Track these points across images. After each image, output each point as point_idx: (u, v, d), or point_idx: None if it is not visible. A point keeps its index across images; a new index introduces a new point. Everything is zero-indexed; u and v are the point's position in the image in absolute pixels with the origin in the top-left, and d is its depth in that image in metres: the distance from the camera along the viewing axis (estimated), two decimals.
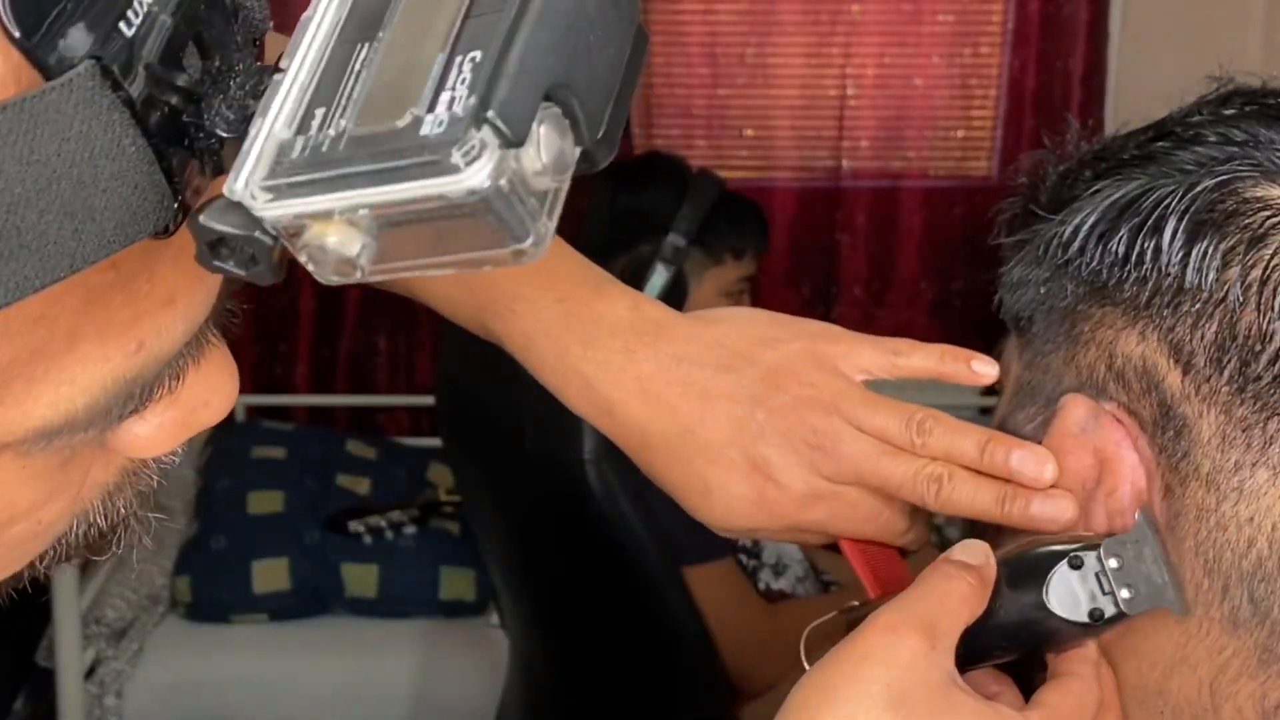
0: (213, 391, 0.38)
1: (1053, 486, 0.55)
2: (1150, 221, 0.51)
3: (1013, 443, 0.57)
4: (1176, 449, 0.50)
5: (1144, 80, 2.77)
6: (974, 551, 0.54)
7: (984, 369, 0.65)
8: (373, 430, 2.88)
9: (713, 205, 1.73)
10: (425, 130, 0.27)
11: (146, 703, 2.14)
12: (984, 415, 2.92)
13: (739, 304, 1.80)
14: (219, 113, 0.30)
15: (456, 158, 0.26)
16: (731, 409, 0.62)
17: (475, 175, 0.26)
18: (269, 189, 0.28)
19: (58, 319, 0.30)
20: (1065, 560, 0.52)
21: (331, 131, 0.28)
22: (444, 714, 2.19)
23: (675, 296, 1.72)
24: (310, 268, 0.28)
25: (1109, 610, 0.51)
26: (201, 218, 0.29)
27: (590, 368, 0.64)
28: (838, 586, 1.86)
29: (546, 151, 0.28)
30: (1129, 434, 0.52)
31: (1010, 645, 0.54)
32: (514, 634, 1.77)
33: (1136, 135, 0.56)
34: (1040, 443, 0.56)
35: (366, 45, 0.29)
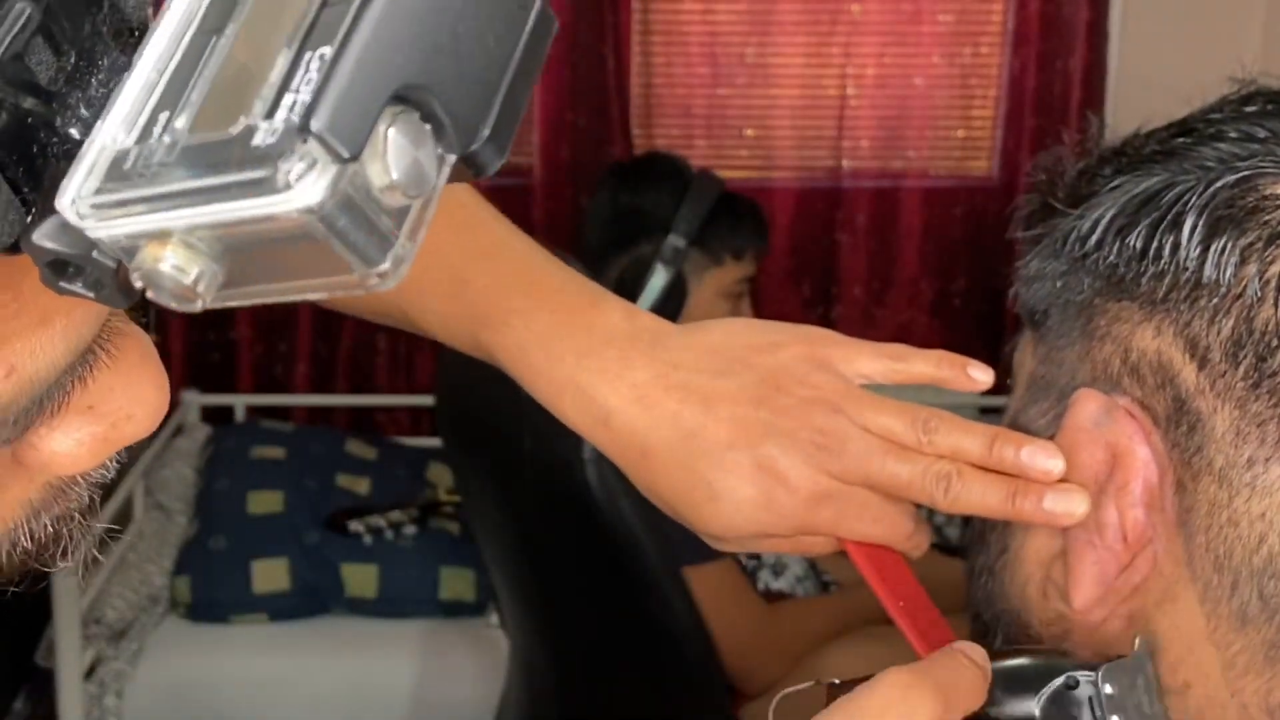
0: (137, 403, 0.34)
1: (1064, 481, 0.55)
2: (1169, 217, 0.51)
3: (1020, 438, 0.57)
4: (1190, 444, 0.50)
5: (1144, 80, 2.77)
6: (976, 651, 0.54)
7: (980, 375, 0.64)
8: (373, 430, 2.88)
9: (713, 206, 1.73)
10: (257, 140, 0.23)
11: (146, 703, 2.14)
12: (984, 415, 2.92)
13: (739, 305, 1.80)
14: (75, 113, 0.26)
15: (282, 174, 0.23)
16: (734, 411, 0.61)
17: (304, 194, 0.23)
18: (96, 207, 0.25)
19: None
20: (1062, 679, 0.52)
21: (166, 139, 0.25)
22: (444, 714, 2.19)
23: (675, 297, 1.72)
24: (149, 294, 0.25)
25: None
26: (34, 236, 0.25)
27: (585, 376, 0.63)
28: (837, 586, 1.86)
29: (397, 164, 0.24)
30: (1142, 429, 0.52)
31: None
32: (514, 634, 1.77)
33: (1158, 132, 0.56)
34: (1053, 438, 0.56)
35: (219, 36, 0.26)
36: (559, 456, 1.46)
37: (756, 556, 1.74)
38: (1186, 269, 0.50)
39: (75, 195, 0.25)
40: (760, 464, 0.60)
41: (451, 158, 0.25)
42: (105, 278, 0.26)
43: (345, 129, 0.23)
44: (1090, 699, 0.51)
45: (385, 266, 0.25)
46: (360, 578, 2.29)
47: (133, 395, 0.34)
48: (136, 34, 0.28)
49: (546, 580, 1.64)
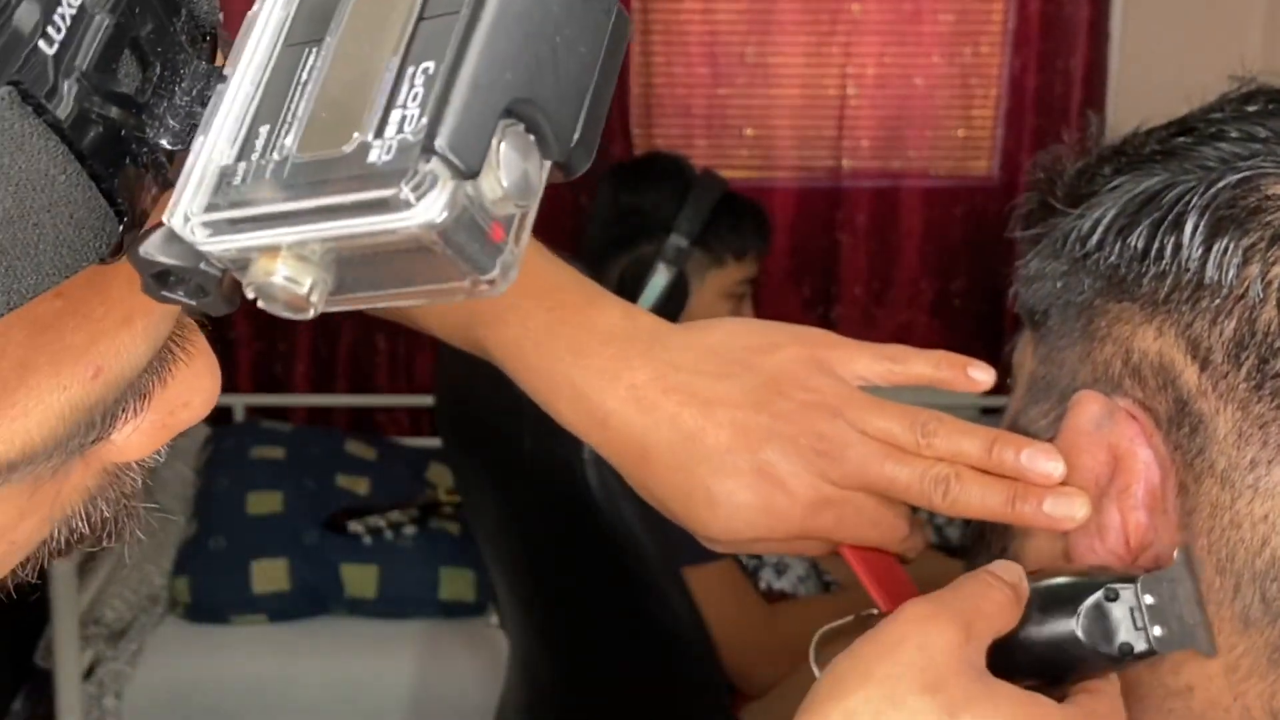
0: (194, 391, 0.37)
1: (1065, 484, 0.54)
2: (1171, 217, 0.51)
3: (1020, 441, 0.56)
4: (1192, 445, 0.50)
5: (1144, 80, 2.77)
6: (1010, 570, 0.53)
7: (980, 375, 0.63)
8: (373, 430, 2.88)
9: (715, 206, 1.73)
10: (373, 158, 0.24)
11: (145, 703, 2.14)
12: (984, 415, 2.92)
13: (741, 305, 1.80)
14: (164, 123, 0.27)
15: (406, 192, 0.24)
16: (734, 415, 0.59)
17: (426, 211, 0.24)
18: (208, 224, 0.26)
19: (3, 352, 0.28)
20: (1101, 592, 0.51)
21: (275, 156, 0.25)
22: (444, 714, 2.19)
23: (677, 297, 1.71)
24: (260, 304, 0.26)
25: (1139, 646, 0.50)
26: (141, 249, 0.26)
27: (582, 376, 0.62)
28: (839, 586, 1.86)
29: (508, 176, 0.25)
30: (1143, 430, 0.52)
31: (1035, 669, 0.53)
32: (513, 634, 1.77)
33: (1158, 131, 0.56)
34: (1053, 439, 0.56)
35: (314, 50, 0.26)
36: (559, 456, 1.46)
37: (758, 556, 1.74)
38: (1188, 270, 0.50)
39: (186, 211, 0.26)
40: (760, 469, 0.59)
41: (549, 164, 0.26)
42: (209, 286, 0.27)
43: (466, 147, 0.24)
44: (1131, 610, 0.51)
45: (495, 274, 0.26)
46: (360, 578, 2.29)
47: (190, 385, 0.36)
48: (208, 39, 0.28)
49: (546, 580, 1.64)
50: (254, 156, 0.26)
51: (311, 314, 0.26)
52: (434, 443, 2.50)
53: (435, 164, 0.24)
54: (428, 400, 2.52)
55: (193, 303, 0.27)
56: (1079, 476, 0.54)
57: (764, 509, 0.59)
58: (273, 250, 0.25)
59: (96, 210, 0.26)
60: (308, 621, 2.29)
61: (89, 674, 2.13)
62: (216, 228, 0.26)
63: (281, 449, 2.54)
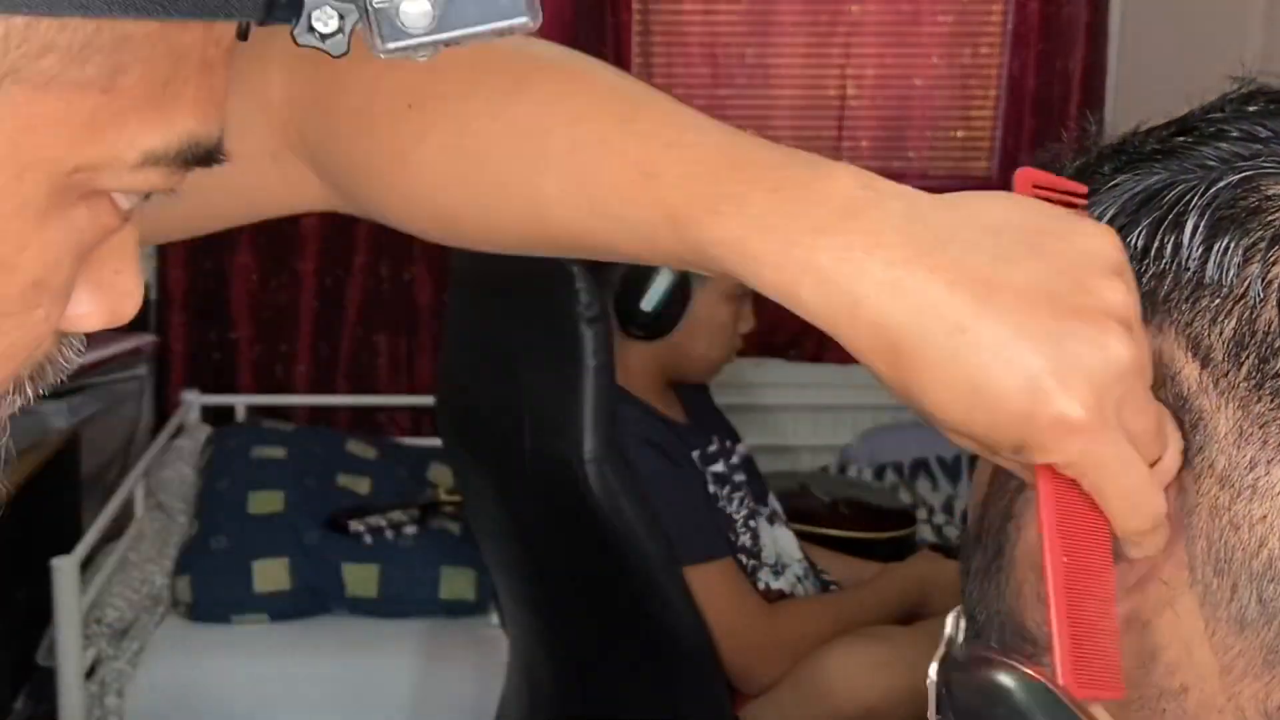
0: (136, 283, 0.43)
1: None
2: (1171, 216, 0.51)
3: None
4: (1192, 444, 0.50)
5: (1144, 80, 2.78)
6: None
7: None
8: (373, 430, 2.88)
9: None
10: None
11: (147, 702, 2.14)
12: None
13: (742, 306, 1.80)
14: None
15: None
16: (1016, 305, 0.49)
17: None
18: None
19: (186, 62, 0.37)
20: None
21: None
22: (444, 714, 2.19)
23: (679, 299, 1.72)
24: (384, 28, 0.39)
25: None
26: None
27: (826, 258, 0.51)
28: (837, 586, 1.87)
29: None
30: None
31: None
32: (514, 634, 1.77)
33: (1158, 130, 0.56)
34: None
35: None
36: (559, 456, 1.46)
37: (756, 556, 1.74)
38: (1188, 269, 0.50)
39: None
40: (1037, 375, 0.49)
41: None
42: (346, 23, 0.39)
43: None
44: None
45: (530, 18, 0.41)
46: (361, 577, 2.29)
47: (133, 280, 0.43)
48: None
49: (546, 580, 1.64)
50: None
51: (420, 40, 0.39)
52: (434, 443, 2.50)
53: None
54: (428, 400, 2.52)
55: (322, 44, 0.39)
56: None
57: (1026, 418, 0.49)
58: None
59: None
60: (309, 621, 2.29)
61: (91, 673, 2.14)
62: None
63: (283, 449, 2.54)
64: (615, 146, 0.58)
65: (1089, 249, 0.50)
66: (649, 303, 1.71)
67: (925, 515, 2.61)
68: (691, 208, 0.55)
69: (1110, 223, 0.53)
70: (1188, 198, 0.51)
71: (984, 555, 0.59)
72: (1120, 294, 0.49)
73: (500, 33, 0.41)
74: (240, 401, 2.87)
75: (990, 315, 0.49)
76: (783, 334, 2.96)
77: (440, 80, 0.62)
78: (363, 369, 2.95)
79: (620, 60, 2.82)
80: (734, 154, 0.56)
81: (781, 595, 1.74)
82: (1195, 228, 0.50)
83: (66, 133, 0.36)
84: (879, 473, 2.74)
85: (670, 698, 1.56)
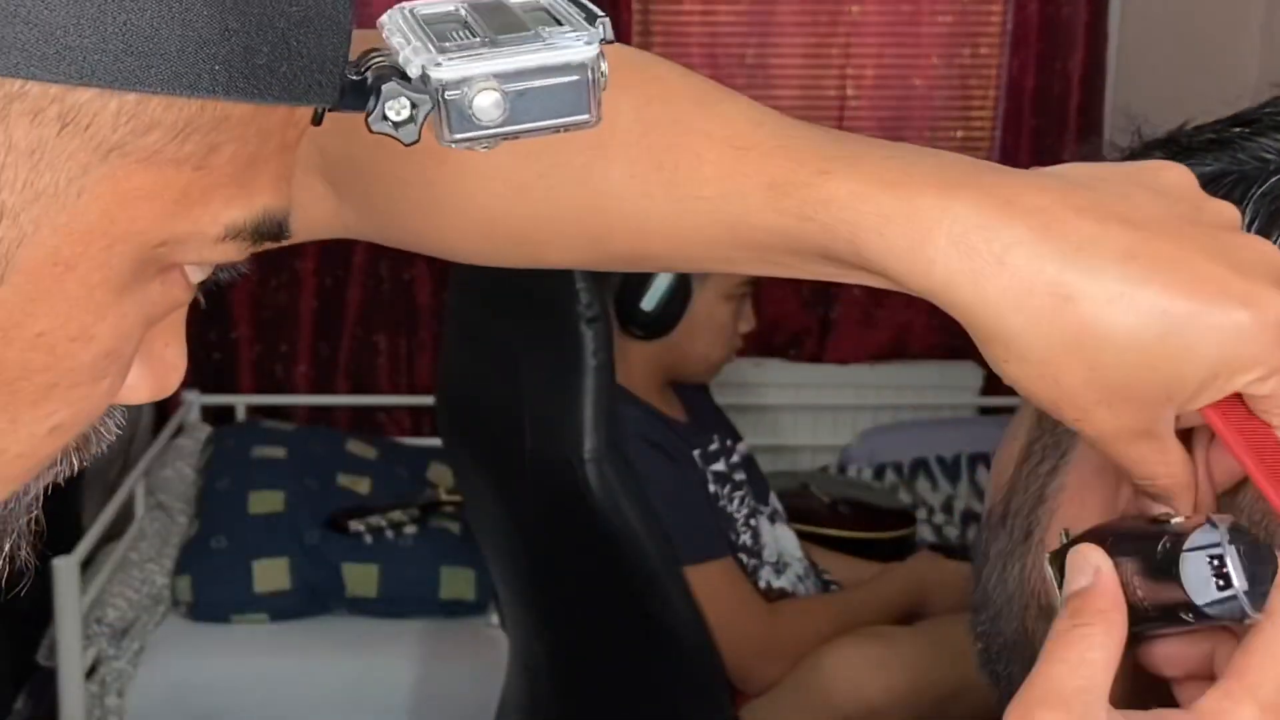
0: (182, 358, 0.44)
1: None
2: None
3: None
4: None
5: (1144, 80, 2.78)
6: (1083, 567, 0.47)
7: None
8: (373, 430, 2.89)
9: None
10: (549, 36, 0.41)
11: (147, 702, 2.14)
12: (985, 415, 2.92)
13: (742, 306, 1.80)
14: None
15: (571, 38, 0.41)
16: (1167, 231, 0.46)
17: (586, 50, 0.42)
18: (443, 60, 0.40)
19: (269, 141, 0.39)
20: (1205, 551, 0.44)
21: (477, 37, 0.42)
22: (444, 714, 2.20)
23: (680, 297, 1.72)
24: (453, 119, 0.41)
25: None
26: (393, 82, 0.41)
27: (963, 207, 0.47)
28: (838, 586, 1.87)
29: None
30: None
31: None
32: (514, 634, 1.77)
33: (1210, 124, 0.55)
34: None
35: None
36: (559, 456, 1.46)
37: (757, 555, 1.74)
38: None
39: (420, 61, 0.41)
40: (1229, 281, 0.45)
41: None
42: (420, 113, 0.41)
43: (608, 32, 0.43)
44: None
45: (595, 117, 0.43)
46: (361, 577, 2.29)
47: (178, 355, 0.43)
48: None
49: (546, 580, 1.64)
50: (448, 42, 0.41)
51: (489, 133, 0.41)
52: (434, 443, 2.51)
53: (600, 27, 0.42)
54: (428, 400, 2.52)
55: (394, 132, 0.41)
56: (1109, 470, 0.52)
57: (1237, 328, 0.45)
58: (485, 80, 0.40)
59: (340, 59, 0.39)
60: (309, 621, 2.29)
61: (91, 673, 2.14)
62: (449, 61, 0.40)
63: (283, 449, 2.54)
64: (696, 126, 0.54)
65: (1217, 210, 0.48)
66: (649, 302, 1.71)
67: (925, 515, 2.61)
68: (796, 171, 0.50)
69: None
70: (1243, 187, 0.50)
71: (1009, 538, 0.58)
72: (1256, 246, 0.46)
73: (562, 128, 0.42)
74: (240, 401, 2.87)
75: (1154, 239, 0.45)
76: (783, 334, 2.97)
77: None
78: (363, 369, 2.95)
79: None
80: (831, 134, 0.52)
81: (783, 593, 1.74)
82: (1253, 218, 0.50)
83: (159, 207, 0.37)
84: (879, 473, 2.74)
85: (670, 698, 1.56)
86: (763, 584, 1.72)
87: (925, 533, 2.54)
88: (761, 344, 2.80)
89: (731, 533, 1.72)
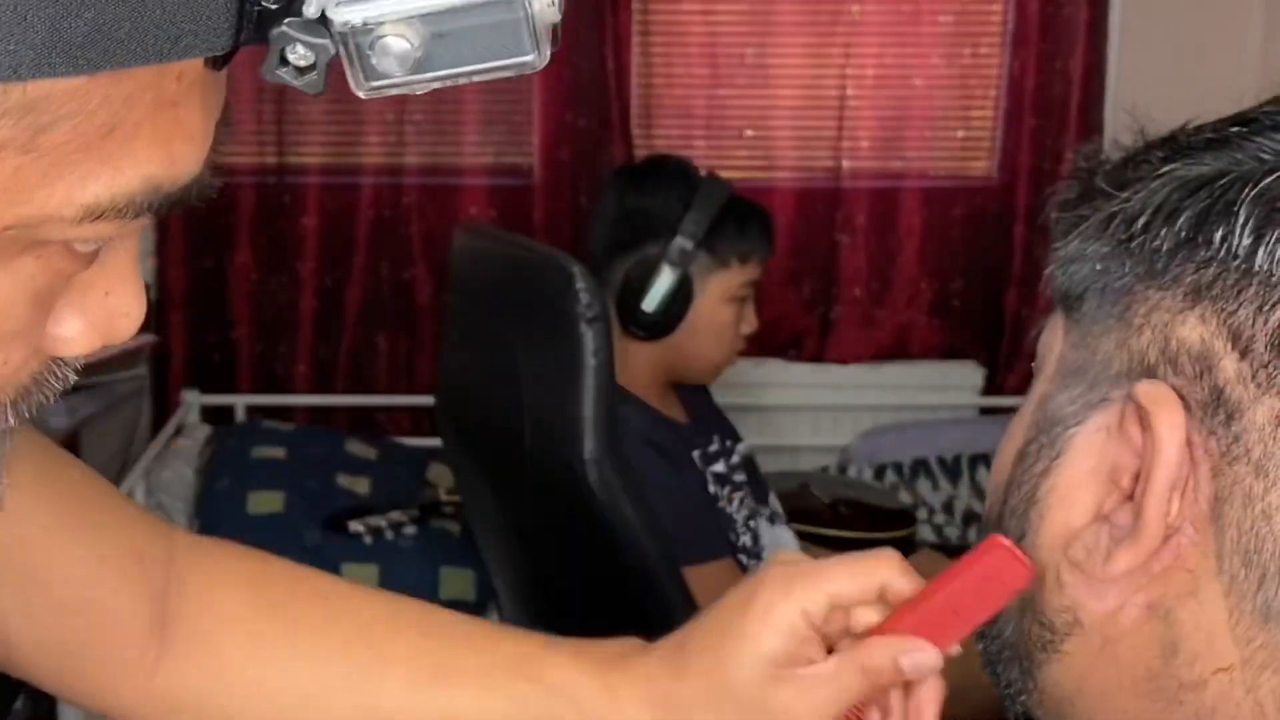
0: (132, 305, 0.42)
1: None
2: (1222, 204, 0.51)
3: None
4: (1227, 433, 0.50)
5: (1144, 80, 2.78)
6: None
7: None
8: (373, 430, 2.89)
9: (720, 210, 1.73)
10: None
11: None
12: (985, 415, 2.92)
13: (744, 308, 1.80)
14: None
15: None
16: None
17: None
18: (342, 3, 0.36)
19: (135, 107, 0.35)
20: None
21: None
22: None
23: (681, 299, 1.72)
24: (371, 62, 0.36)
25: None
26: (282, 28, 0.36)
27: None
28: None
29: None
30: (1178, 419, 0.51)
31: None
32: None
33: (1211, 123, 0.55)
34: (1080, 424, 0.55)
35: None
36: (559, 456, 1.46)
37: (757, 556, 1.74)
38: (1236, 257, 0.50)
39: (320, 4, 0.36)
40: None
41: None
42: (321, 61, 0.36)
43: None
44: None
45: (534, 57, 0.37)
46: (361, 577, 2.29)
47: (131, 298, 0.42)
48: None
49: (546, 580, 1.64)
50: None
51: (402, 77, 0.36)
52: (434, 443, 2.50)
53: None
54: (428, 400, 2.52)
55: (297, 81, 0.37)
56: (1105, 466, 0.54)
57: None
58: (395, 22, 0.36)
59: (230, 11, 0.35)
60: None
61: None
62: (350, 7, 0.36)
63: (282, 449, 2.54)
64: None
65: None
66: (651, 303, 1.71)
67: (925, 515, 2.61)
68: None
69: (1159, 208, 0.52)
70: (1239, 187, 0.50)
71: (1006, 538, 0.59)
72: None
73: (502, 71, 0.38)
74: (240, 401, 2.86)
75: None
76: (783, 334, 2.96)
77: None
78: (363, 369, 2.95)
79: (620, 60, 2.82)
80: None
81: None
82: (1247, 217, 0.50)
83: None
84: (879, 473, 2.74)
85: None
86: None
87: (926, 533, 2.54)
88: (761, 344, 2.80)
89: (731, 533, 1.72)
